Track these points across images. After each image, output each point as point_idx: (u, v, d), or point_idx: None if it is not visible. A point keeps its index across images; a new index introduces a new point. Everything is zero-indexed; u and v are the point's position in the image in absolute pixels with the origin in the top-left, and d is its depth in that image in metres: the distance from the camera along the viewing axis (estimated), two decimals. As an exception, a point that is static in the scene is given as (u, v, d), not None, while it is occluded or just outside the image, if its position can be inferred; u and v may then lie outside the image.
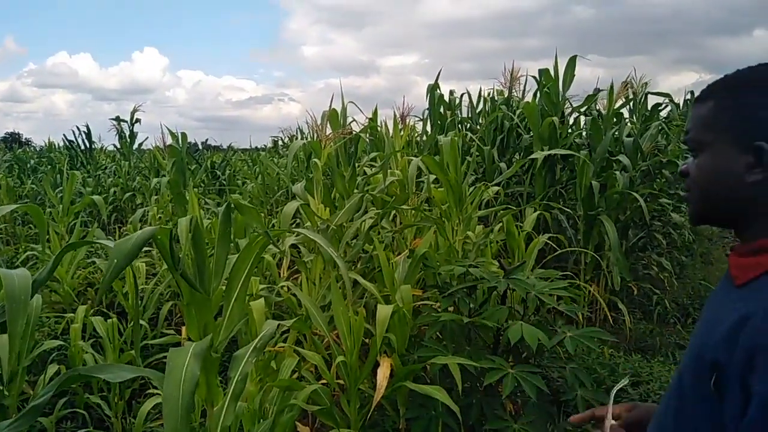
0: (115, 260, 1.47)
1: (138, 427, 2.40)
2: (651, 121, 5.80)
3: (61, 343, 2.91)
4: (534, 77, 5.74)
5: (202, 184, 7.55)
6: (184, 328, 3.07)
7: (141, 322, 3.27)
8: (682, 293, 5.75)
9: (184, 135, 6.03)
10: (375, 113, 5.18)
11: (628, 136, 5.19)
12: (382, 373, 2.34)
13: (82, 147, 9.82)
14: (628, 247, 5.11)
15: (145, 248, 3.15)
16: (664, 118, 6.58)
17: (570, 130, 5.44)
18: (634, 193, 4.65)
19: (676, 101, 7.03)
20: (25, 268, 3.90)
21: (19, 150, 14.91)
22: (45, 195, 6.39)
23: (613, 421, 1.04)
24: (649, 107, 6.24)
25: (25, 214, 6.18)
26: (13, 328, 1.06)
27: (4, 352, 1.45)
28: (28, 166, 11.01)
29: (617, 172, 4.69)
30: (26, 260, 4.51)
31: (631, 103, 6.20)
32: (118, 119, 8.51)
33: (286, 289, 3.19)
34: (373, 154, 4.80)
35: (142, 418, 2.40)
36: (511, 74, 6.24)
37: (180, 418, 1.31)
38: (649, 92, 6.23)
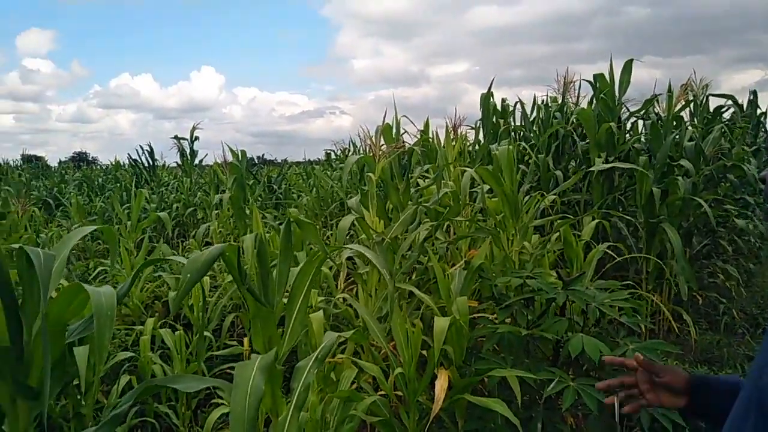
0: (188, 275, 1.55)
1: (206, 436, 2.49)
2: (713, 123, 5.60)
3: (132, 354, 3.05)
4: (588, 82, 5.65)
5: (260, 199, 7.75)
6: (246, 339, 3.17)
7: (206, 333, 3.39)
8: (751, 302, 5.50)
9: (243, 152, 6.23)
10: (426, 125, 5.21)
11: (690, 140, 5.03)
12: (440, 386, 2.35)
13: (146, 165, 10.27)
14: (692, 254, 4.94)
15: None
16: (728, 120, 6.33)
17: (628, 136, 5.31)
18: (698, 199, 4.50)
19: (739, 102, 6.76)
20: (97, 282, 4.10)
21: (87, 169, 15.71)
22: (113, 212, 6.71)
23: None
24: (711, 109, 6.03)
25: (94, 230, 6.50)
26: (101, 341, 1.13)
27: (82, 363, 1.55)
28: (96, 184, 11.60)
29: (679, 178, 4.55)
30: (97, 275, 4.74)
31: (692, 106, 6.00)
32: (177, 138, 8.85)
33: (342, 300, 3.25)
34: (426, 166, 4.82)
35: (209, 427, 2.49)
36: (565, 80, 6.16)
37: (246, 431, 1.36)
38: (710, 94, 6.02)
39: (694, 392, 1.01)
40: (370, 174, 3.53)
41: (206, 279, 3.84)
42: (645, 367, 1.06)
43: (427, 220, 3.66)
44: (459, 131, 4.95)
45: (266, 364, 1.47)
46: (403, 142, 3.98)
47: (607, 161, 4.78)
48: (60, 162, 20.08)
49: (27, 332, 1.20)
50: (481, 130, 6.37)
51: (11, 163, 15.12)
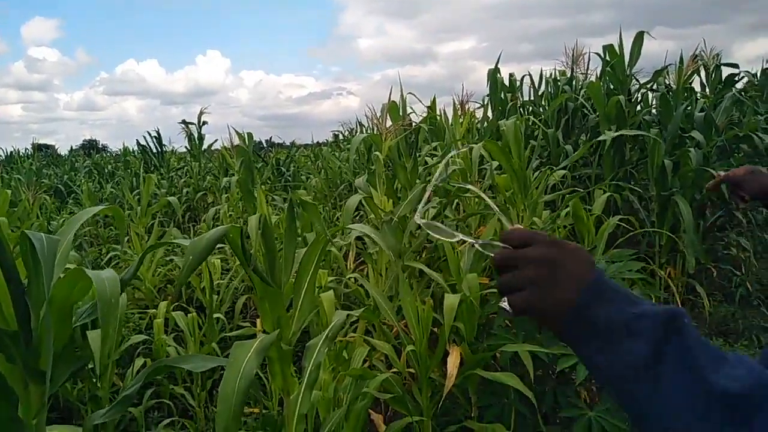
0: (190, 258, 1.54)
1: (220, 415, 2.51)
2: (724, 93, 5.49)
3: (146, 337, 3.07)
4: (598, 54, 5.56)
5: (269, 181, 7.75)
6: (258, 320, 3.18)
7: (218, 315, 3.41)
8: (766, 274, 5.44)
9: (250, 135, 6.22)
10: (433, 103, 5.16)
11: (701, 111, 4.94)
12: (452, 362, 2.35)
13: (154, 150, 10.27)
14: (706, 227, 4.88)
15: (219, 245, 3.29)
16: (740, 89, 6.21)
17: (638, 108, 5.23)
18: (711, 170, 4.43)
19: (753, 71, 6.62)
20: (110, 268, 4.13)
21: (97, 156, 15.78)
22: (124, 198, 6.74)
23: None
24: (723, 79, 5.90)
25: (105, 216, 6.53)
26: (106, 328, 1.11)
27: (96, 347, 1.55)
28: (106, 170, 11.66)
29: (691, 149, 4.48)
30: (109, 261, 4.78)
31: (703, 76, 5.88)
32: (185, 122, 8.84)
33: (353, 280, 3.25)
34: (434, 144, 4.79)
35: (223, 408, 2.50)
36: (574, 53, 6.06)
37: (233, 413, 1.30)
38: (718, 64, 5.89)
39: None
40: (378, 153, 3.51)
41: (217, 262, 3.85)
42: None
43: (436, 197, 3.64)
44: (466, 108, 4.91)
45: (265, 346, 1.45)
46: (410, 120, 3.94)
47: (617, 134, 4.71)
48: (71, 150, 20.14)
49: (34, 317, 1.20)
50: (489, 106, 6.30)
51: (22, 152, 15.20)
